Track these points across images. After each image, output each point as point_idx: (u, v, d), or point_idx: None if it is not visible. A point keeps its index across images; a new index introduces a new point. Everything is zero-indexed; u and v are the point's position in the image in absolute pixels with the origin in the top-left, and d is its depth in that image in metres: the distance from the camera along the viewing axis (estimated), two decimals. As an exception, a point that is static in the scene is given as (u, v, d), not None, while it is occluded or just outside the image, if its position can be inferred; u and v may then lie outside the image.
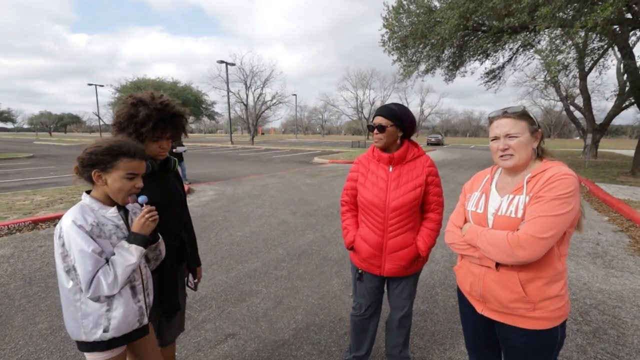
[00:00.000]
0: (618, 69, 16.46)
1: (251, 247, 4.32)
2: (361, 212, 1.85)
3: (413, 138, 1.86)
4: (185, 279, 1.77)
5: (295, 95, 54.49)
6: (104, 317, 1.18)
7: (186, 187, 8.01)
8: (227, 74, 33.43)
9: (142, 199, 1.27)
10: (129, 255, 1.19)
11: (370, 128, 1.76)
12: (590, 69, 15.74)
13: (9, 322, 2.59)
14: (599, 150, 20.15)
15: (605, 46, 13.18)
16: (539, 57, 10.67)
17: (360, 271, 1.87)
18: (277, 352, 2.28)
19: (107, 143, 1.21)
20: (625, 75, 15.08)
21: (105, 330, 1.19)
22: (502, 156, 1.23)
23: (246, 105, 38.39)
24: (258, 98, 38.39)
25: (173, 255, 1.55)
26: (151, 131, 1.39)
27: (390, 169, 1.76)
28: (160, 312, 1.56)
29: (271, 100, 38.98)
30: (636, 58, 11.81)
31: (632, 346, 2.36)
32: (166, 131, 1.45)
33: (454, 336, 2.48)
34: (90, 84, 45.46)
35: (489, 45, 12.74)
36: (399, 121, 1.72)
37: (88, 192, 1.25)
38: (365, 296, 1.90)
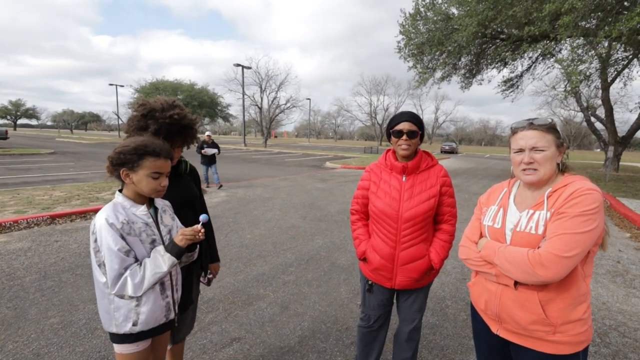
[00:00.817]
0: (643, 80, 15.89)
1: (260, 251, 4.32)
2: (373, 222, 1.81)
3: (426, 145, 1.82)
4: (201, 273, 1.81)
5: (309, 99, 54.79)
6: (134, 312, 1.24)
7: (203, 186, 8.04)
8: (242, 77, 33.89)
9: (203, 217, 1.34)
10: (162, 263, 1.23)
11: (397, 134, 1.66)
12: (613, 80, 15.25)
13: (23, 315, 2.66)
14: (620, 163, 19.43)
15: (631, 56, 12.78)
16: (560, 67, 10.41)
17: (370, 282, 1.83)
18: (282, 359, 2.26)
19: (134, 143, 1.25)
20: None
21: (134, 324, 1.25)
22: (525, 170, 1.18)
23: (260, 108, 38.78)
24: (272, 101, 38.70)
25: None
26: (167, 141, 1.44)
27: (404, 178, 1.73)
28: None
29: (285, 104, 39.22)
30: (663, 69, 11.42)
31: (655, 373, 2.24)
32: (175, 142, 1.52)
33: (464, 351, 2.40)
34: (111, 84, 46.75)
35: (507, 54, 12.54)
36: (423, 129, 1.71)
37: (120, 190, 1.30)
38: (375, 308, 1.86)
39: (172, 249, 1.25)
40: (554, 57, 11.98)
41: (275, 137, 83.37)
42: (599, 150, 54.59)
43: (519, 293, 1.17)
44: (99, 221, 1.19)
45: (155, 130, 1.42)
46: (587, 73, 11.00)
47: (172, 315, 1.37)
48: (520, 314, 1.17)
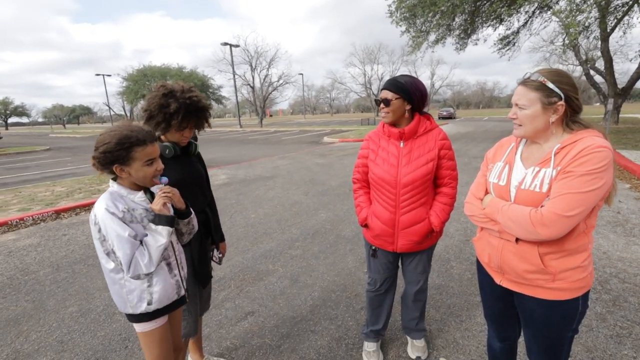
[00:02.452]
0: (644, 26, 15.39)
1: (265, 228, 4.39)
2: (373, 189, 1.83)
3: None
4: (211, 253, 1.89)
5: (301, 74, 53.61)
6: (147, 292, 1.29)
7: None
8: (231, 56, 32.97)
9: (163, 180, 1.32)
10: (159, 236, 1.25)
11: (377, 102, 1.72)
12: (613, 29, 14.77)
13: (42, 307, 2.74)
14: (620, 115, 19.23)
15: (630, 2, 12.31)
16: (557, 19, 10.06)
17: (373, 248, 1.88)
18: (296, 328, 2.35)
19: (115, 137, 1.20)
20: (652, 34, 14.10)
21: (149, 303, 1.30)
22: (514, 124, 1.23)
23: (253, 87, 38.03)
24: (264, 79, 37.92)
25: (201, 228, 1.69)
26: (183, 121, 1.53)
27: (402, 144, 1.72)
28: (195, 282, 1.71)
29: (278, 81, 38.49)
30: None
31: (653, 313, 2.33)
32: (190, 122, 1.58)
33: (470, 308, 2.49)
34: (97, 74, 45.68)
35: (502, 10, 12.06)
36: (405, 93, 1.65)
37: (114, 178, 1.29)
38: (380, 272, 1.92)
39: (160, 219, 1.26)
40: (551, 10, 11.53)
41: (271, 116, 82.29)
42: (598, 104, 53.82)
43: (519, 247, 1.19)
44: (100, 212, 1.19)
45: (176, 109, 1.49)
46: (586, 23, 10.65)
47: (182, 292, 1.43)
48: (520, 266, 1.20)
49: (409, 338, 2.11)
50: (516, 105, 1.18)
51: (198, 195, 1.73)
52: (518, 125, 1.20)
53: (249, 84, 37.94)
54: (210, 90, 40.16)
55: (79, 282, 3.12)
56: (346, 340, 2.21)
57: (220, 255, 1.93)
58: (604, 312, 2.37)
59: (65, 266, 3.48)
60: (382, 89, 1.71)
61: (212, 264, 1.94)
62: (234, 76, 34.10)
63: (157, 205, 1.27)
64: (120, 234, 1.18)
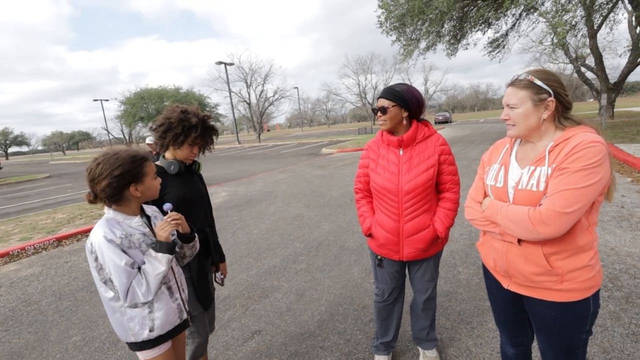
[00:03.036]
0: (630, 22, 15.67)
1: (268, 244, 4.35)
2: (375, 198, 1.82)
3: (419, 117, 1.80)
4: (213, 275, 1.87)
5: (296, 88, 54.23)
6: (148, 319, 1.26)
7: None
8: (227, 74, 33.44)
9: (167, 206, 1.31)
10: (158, 264, 1.23)
11: (375, 111, 1.73)
12: (599, 26, 15.02)
13: (45, 337, 2.69)
14: (615, 110, 19.36)
15: None
16: (545, 20, 10.22)
17: (379, 257, 1.85)
18: (304, 345, 2.30)
19: (126, 158, 1.21)
20: (638, 28, 14.36)
21: (151, 330, 1.27)
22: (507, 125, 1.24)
23: (249, 104, 38.44)
24: (260, 95, 38.37)
25: (200, 248, 1.67)
26: (198, 137, 1.61)
27: (401, 152, 1.72)
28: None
29: (273, 96, 38.94)
30: (649, 8, 11.21)
31: (668, 308, 2.28)
32: (204, 139, 1.67)
33: (480, 314, 2.44)
34: (95, 100, 46.17)
35: (490, 14, 12.32)
36: (402, 101, 1.66)
37: (110, 205, 1.27)
38: (387, 282, 1.89)
39: (161, 247, 1.24)
40: (537, 11, 11.75)
41: (268, 130, 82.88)
42: (591, 100, 54.23)
43: (524, 248, 1.18)
44: (97, 239, 1.18)
45: (196, 122, 1.58)
46: (573, 22, 10.85)
47: (185, 315, 1.41)
48: (526, 268, 1.18)
49: (420, 349, 2.06)
50: (507, 105, 1.19)
51: (199, 213, 1.74)
52: (511, 125, 1.20)
53: (245, 101, 38.37)
54: (207, 109, 40.59)
55: (82, 310, 3.07)
56: (356, 355, 2.16)
57: (222, 277, 1.90)
58: (618, 310, 2.32)
59: (67, 294, 3.44)
60: (378, 98, 1.72)
61: (216, 285, 1.91)
62: (230, 94, 34.51)
63: (165, 232, 1.26)
64: (117, 262, 1.16)
